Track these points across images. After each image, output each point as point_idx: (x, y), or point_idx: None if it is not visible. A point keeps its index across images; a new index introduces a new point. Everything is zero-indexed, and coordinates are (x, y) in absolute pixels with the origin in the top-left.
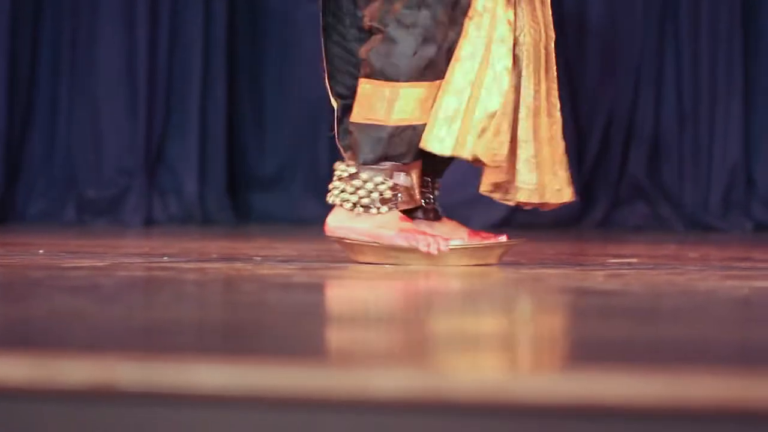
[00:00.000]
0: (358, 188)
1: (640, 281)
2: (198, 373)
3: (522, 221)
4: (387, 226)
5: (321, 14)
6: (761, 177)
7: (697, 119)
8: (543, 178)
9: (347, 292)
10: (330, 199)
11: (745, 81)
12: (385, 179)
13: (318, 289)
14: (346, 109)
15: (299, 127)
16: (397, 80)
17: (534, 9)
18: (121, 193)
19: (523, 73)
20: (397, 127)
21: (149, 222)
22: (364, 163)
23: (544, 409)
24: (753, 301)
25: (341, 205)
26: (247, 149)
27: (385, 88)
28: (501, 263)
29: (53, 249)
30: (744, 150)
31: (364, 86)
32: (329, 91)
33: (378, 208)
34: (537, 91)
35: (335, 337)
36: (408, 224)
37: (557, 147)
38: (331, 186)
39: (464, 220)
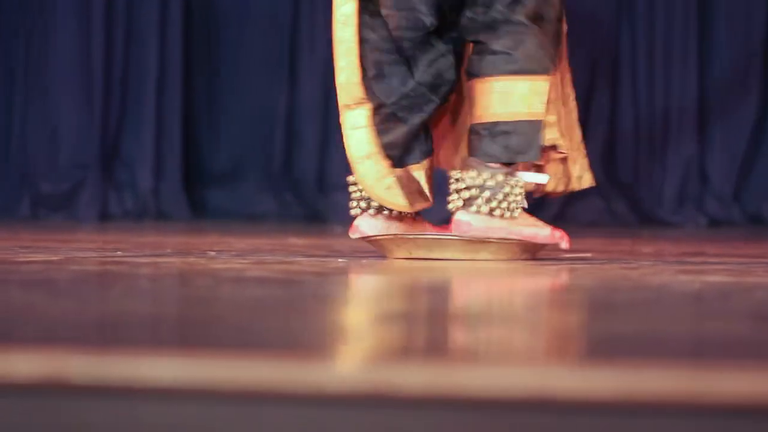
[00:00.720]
0: (507, 194)
1: (593, 276)
2: (150, 367)
3: None
4: (535, 224)
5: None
6: (715, 172)
7: (651, 115)
8: (567, 166)
9: (300, 286)
10: (475, 208)
11: (700, 77)
12: (518, 180)
13: (271, 283)
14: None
15: (254, 124)
16: (547, 73)
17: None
18: (76, 188)
19: None
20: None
21: (104, 217)
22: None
23: (494, 404)
24: (705, 296)
25: (486, 212)
26: (202, 145)
27: (538, 80)
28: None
29: (7, 243)
30: (698, 146)
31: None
32: (365, 92)
33: (517, 209)
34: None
35: (287, 330)
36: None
37: (575, 135)
38: (471, 193)
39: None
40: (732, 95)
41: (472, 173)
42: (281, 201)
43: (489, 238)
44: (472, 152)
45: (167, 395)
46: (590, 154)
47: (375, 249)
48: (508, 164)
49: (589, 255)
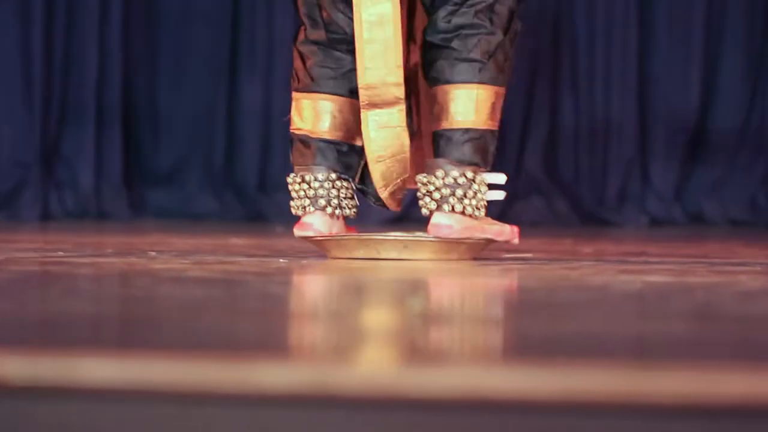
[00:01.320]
0: (476, 192)
1: (534, 276)
2: (89, 367)
3: (417, 217)
4: (494, 222)
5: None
6: (656, 172)
7: (592, 114)
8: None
9: (240, 286)
10: (449, 207)
11: (640, 76)
12: (483, 178)
13: (211, 283)
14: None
15: (195, 123)
16: (506, 85)
17: None
18: (17, 187)
19: None
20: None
21: (45, 216)
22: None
23: (433, 404)
24: (646, 296)
25: (459, 211)
26: (143, 144)
27: (501, 92)
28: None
29: None
30: (639, 146)
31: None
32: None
33: (483, 207)
34: None
35: (227, 330)
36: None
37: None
38: (442, 193)
39: (364, 216)
40: (673, 94)
41: (440, 173)
42: (222, 201)
43: (466, 239)
44: (439, 154)
45: (106, 396)
46: (532, 153)
47: (317, 248)
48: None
49: (530, 255)
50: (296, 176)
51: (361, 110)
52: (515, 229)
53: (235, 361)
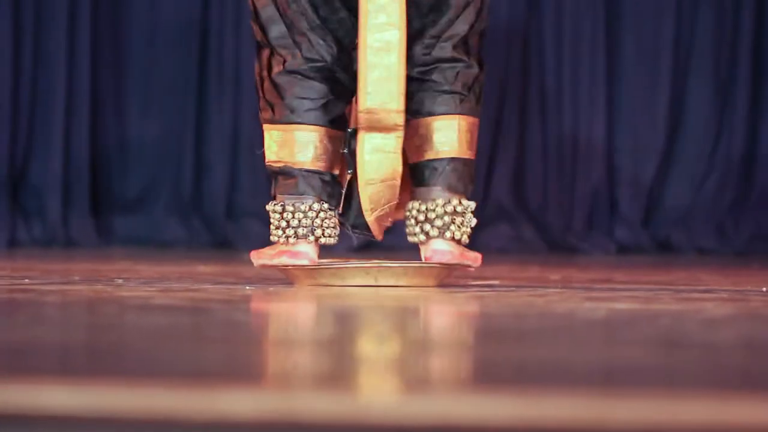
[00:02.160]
0: (467, 220)
1: (500, 303)
2: (55, 395)
3: (385, 244)
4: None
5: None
6: (623, 199)
7: (560, 141)
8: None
9: (206, 314)
10: (452, 235)
11: (608, 104)
12: (470, 205)
13: (177, 310)
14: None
15: (162, 150)
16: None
17: None
18: None
19: None
20: None
21: (12, 244)
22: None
23: (391, 429)
24: (612, 323)
25: (457, 239)
26: (111, 171)
27: (477, 123)
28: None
29: None
30: (606, 172)
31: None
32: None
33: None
34: None
35: (193, 358)
36: None
37: None
38: (444, 221)
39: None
40: (641, 121)
41: (440, 201)
42: (189, 228)
43: (457, 265)
44: (428, 184)
45: (72, 424)
46: (500, 180)
47: (283, 276)
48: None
49: (496, 282)
50: (278, 205)
51: (359, 132)
52: (479, 255)
53: (201, 389)
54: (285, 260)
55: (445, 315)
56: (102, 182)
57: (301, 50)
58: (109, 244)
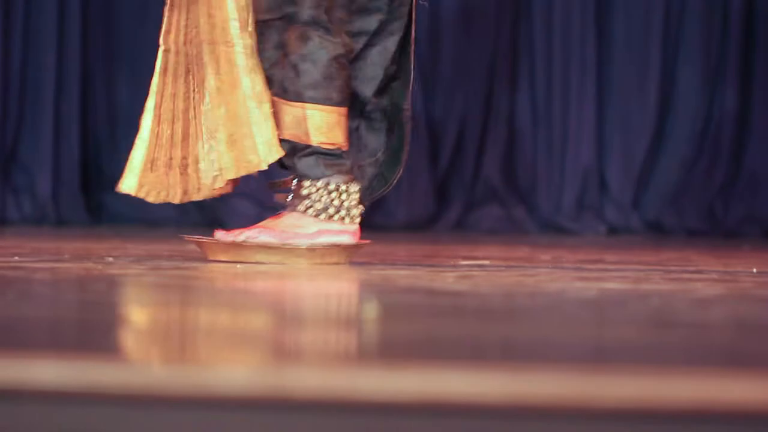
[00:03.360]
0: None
1: (490, 282)
2: (41, 369)
3: (376, 222)
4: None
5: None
6: (614, 180)
7: (550, 122)
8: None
9: (195, 291)
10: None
11: (598, 84)
12: None
13: (166, 288)
14: None
15: None
16: None
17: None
18: None
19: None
20: None
21: (2, 222)
22: None
23: (391, 407)
24: (602, 302)
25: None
26: (101, 149)
27: None
28: (352, 263)
29: None
30: (597, 153)
31: None
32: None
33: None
34: (174, 94)
35: (180, 335)
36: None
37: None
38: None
39: None
40: (630, 102)
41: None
42: (180, 206)
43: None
44: None
45: (60, 397)
46: (490, 160)
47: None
48: None
49: (487, 262)
50: (331, 184)
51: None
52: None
53: (189, 363)
54: (328, 239)
55: (432, 293)
56: (92, 160)
57: (345, 33)
58: (99, 222)
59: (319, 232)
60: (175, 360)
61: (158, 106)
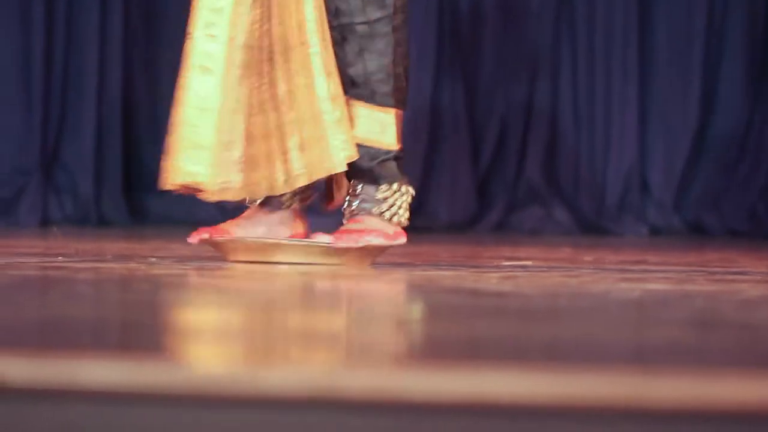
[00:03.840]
0: None
1: (533, 283)
2: (88, 370)
3: (418, 224)
4: None
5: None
6: (656, 181)
7: (592, 123)
8: (253, 175)
9: (240, 293)
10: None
11: (640, 85)
12: None
13: (210, 288)
14: None
15: None
16: None
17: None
18: (17, 193)
19: (236, 72)
20: None
21: (45, 222)
22: None
23: (436, 407)
24: (646, 303)
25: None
26: (143, 150)
27: None
28: (392, 264)
29: None
30: (639, 154)
31: None
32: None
33: None
34: (255, 87)
35: (226, 335)
36: None
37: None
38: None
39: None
40: (672, 103)
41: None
42: (222, 206)
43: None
44: None
45: (105, 397)
46: (532, 161)
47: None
48: None
49: (529, 263)
50: (411, 188)
51: None
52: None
53: (232, 364)
54: (402, 241)
55: (475, 293)
56: (134, 160)
57: None
58: (142, 222)
59: (396, 234)
60: (222, 361)
61: (228, 101)
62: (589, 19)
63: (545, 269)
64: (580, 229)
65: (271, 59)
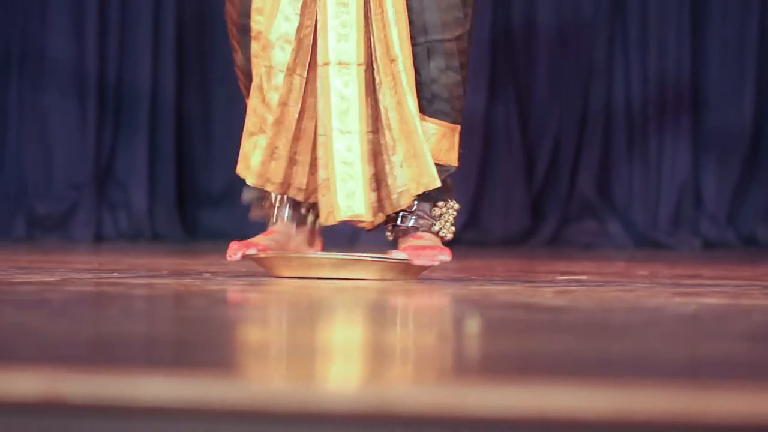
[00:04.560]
0: None
1: (588, 297)
2: (145, 386)
3: (472, 239)
4: None
5: None
6: (709, 195)
7: (645, 136)
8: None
9: (294, 308)
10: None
11: (694, 98)
12: None
13: (265, 303)
14: None
15: None
16: None
17: None
18: (71, 209)
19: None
20: None
21: (99, 237)
22: None
23: (491, 422)
24: (701, 317)
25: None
26: (197, 165)
27: None
28: (448, 279)
29: (2, 264)
30: (692, 167)
31: None
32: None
33: None
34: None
35: (281, 350)
36: None
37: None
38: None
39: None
40: (726, 116)
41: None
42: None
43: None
44: None
45: (162, 414)
46: (585, 175)
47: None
48: None
49: (584, 277)
50: (456, 205)
51: None
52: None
53: (287, 379)
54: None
55: (531, 308)
56: (188, 175)
57: None
58: (195, 237)
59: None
60: (279, 376)
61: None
62: (641, 33)
63: (600, 284)
64: (633, 242)
65: (373, 78)
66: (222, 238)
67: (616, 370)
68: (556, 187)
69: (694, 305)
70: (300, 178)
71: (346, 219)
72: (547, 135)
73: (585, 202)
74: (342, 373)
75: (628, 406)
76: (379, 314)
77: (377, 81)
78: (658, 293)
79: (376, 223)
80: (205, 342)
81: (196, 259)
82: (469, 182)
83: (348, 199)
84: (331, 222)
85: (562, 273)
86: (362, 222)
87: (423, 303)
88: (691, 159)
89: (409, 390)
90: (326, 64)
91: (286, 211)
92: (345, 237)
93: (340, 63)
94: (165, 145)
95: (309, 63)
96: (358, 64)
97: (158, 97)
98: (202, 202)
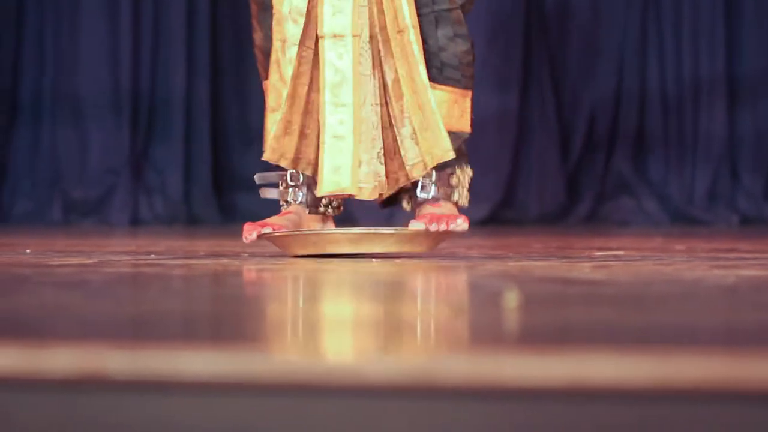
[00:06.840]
0: None
1: (626, 271)
2: (185, 361)
3: (508, 217)
4: None
5: None
6: (745, 170)
7: (681, 113)
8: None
9: (331, 285)
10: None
11: (728, 74)
12: None
13: (303, 280)
14: None
15: None
16: None
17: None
18: (107, 193)
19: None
20: None
21: (135, 221)
22: None
23: (533, 391)
24: (739, 289)
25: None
26: (232, 148)
27: None
28: (486, 256)
29: (40, 248)
30: (728, 143)
31: None
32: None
33: None
34: (379, 79)
35: (319, 327)
36: None
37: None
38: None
39: None
40: (761, 90)
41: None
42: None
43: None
44: None
45: (202, 388)
46: (621, 152)
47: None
48: None
49: (621, 253)
50: (470, 170)
51: None
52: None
53: (327, 354)
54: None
55: (569, 282)
56: (223, 159)
57: None
58: (231, 221)
59: (466, 218)
60: (317, 351)
61: (361, 96)
62: (676, 8)
63: (638, 258)
64: (669, 219)
65: (378, 50)
66: (258, 220)
67: (654, 339)
68: (591, 165)
69: (732, 277)
70: (310, 153)
71: (329, 193)
72: (583, 113)
73: (621, 178)
74: (380, 346)
75: (666, 374)
76: (416, 290)
77: (382, 53)
78: (696, 266)
79: (386, 195)
80: (242, 318)
81: (233, 240)
82: (505, 161)
83: (334, 173)
84: (318, 194)
85: (599, 249)
86: (350, 196)
87: (461, 278)
88: (727, 134)
89: (446, 359)
90: (322, 37)
91: (300, 194)
92: (383, 216)
93: (335, 36)
94: (200, 129)
95: (316, 35)
96: (354, 35)
97: (193, 80)
98: (238, 186)
